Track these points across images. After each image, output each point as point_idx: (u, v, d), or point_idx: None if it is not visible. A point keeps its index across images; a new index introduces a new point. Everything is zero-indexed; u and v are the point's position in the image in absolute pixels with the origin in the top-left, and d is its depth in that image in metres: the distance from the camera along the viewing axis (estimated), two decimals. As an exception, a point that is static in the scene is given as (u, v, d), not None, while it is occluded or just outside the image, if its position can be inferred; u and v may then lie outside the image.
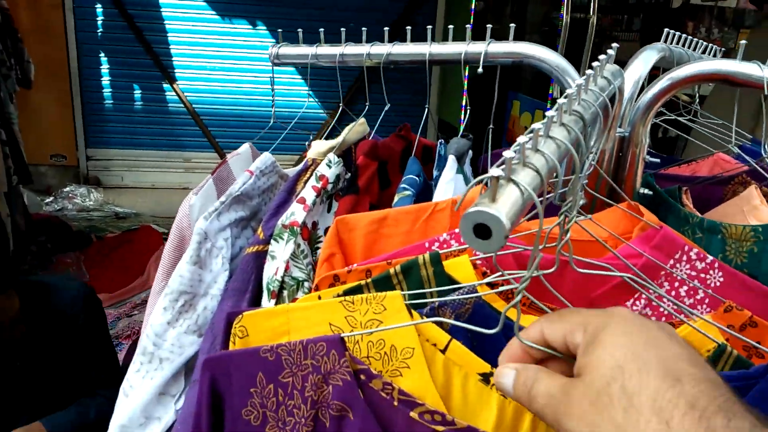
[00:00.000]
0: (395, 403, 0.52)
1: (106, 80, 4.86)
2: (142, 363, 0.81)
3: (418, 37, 0.86)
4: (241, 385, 0.55)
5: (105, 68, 4.84)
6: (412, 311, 0.56)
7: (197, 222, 0.84)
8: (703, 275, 0.60)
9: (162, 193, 4.99)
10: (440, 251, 0.61)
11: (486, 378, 0.54)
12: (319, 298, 0.63)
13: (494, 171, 0.39)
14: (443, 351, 0.55)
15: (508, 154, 0.41)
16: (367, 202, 0.88)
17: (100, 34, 4.74)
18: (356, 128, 1.00)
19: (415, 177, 0.85)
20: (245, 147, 1.00)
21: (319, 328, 0.58)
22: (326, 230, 0.87)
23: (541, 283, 0.56)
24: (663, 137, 3.40)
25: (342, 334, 0.54)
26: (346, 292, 0.61)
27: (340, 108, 1.05)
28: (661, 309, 0.60)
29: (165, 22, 4.77)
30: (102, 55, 4.80)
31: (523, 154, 0.42)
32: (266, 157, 0.94)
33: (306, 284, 0.79)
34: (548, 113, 0.49)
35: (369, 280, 0.61)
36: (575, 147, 0.49)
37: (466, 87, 2.91)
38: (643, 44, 0.85)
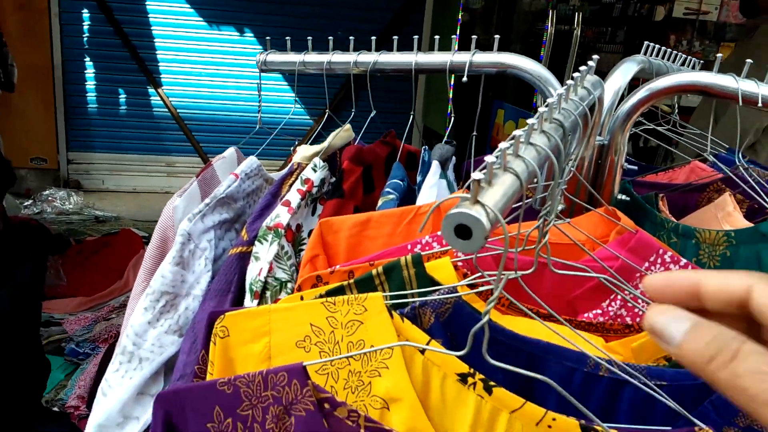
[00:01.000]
0: (362, 431, 0.50)
1: (90, 84, 4.83)
2: (121, 363, 0.81)
3: (405, 47, 0.87)
4: (197, 421, 0.53)
5: (90, 72, 4.80)
6: (393, 312, 0.57)
7: (181, 223, 0.84)
8: (677, 279, 0.62)
9: (144, 197, 4.95)
10: (422, 253, 0.62)
11: (464, 378, 0.55)
12: (302, 298, 0.64)
13: (476, 175, 0.41)
14: (422, 351, 0.56)
15: (489, 158, 0.43)
16: (352, 206, 0.89)
17: (85, 38, 4.72)
18: (341, 134, 1.01)
19: (399, 181, 0.86)
20: (230, 151, 1.01)
21: (300, 328, 0.58)
22: (310, 233, 0.88)
23: (520, 285, 0.58)
24: (644, 146, 3.47)
25: (305, 363, 0.52)
26: (329, 293, 0.62)
27: (326, 114, 1.06)
28: (636, 310, 0.61)
29: (152, 27, 4.76)
30: (87, 59, 4.77)
31: (504, 159, 0.43)
32: (251, 161, 0.94)
33: (289, 285, 0.79)
34: (529, 121, 0.50)
35: (351, 281, 0.62)
36: (555, 153, 0.50)
37: (451, 95, 2.94)
38: (626, 56, 0.88)
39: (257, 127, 1.06)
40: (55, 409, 2.22)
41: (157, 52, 4.82)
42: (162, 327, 0.82)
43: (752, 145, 2.26)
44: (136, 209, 4.63)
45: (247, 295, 0.79)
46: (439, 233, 0.67)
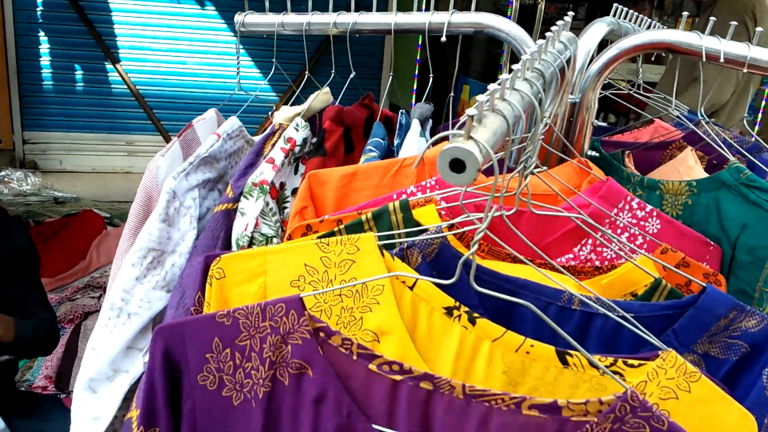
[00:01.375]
0: (354, 357, 0.53)
1: (45, 60, 4.67)
2: (110, 318, 0.82)
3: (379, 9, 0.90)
4: (196, 352, 0.55)
5: (44, 48, 4.64)
6: (384, 251, 0.60)
7: (166, 181, 0.85)
8: (642, 222, 0.67)
9: (103, 177, 4.83)
10: (409, 199, 0.65)
11: (450, 311, 0.59)
12: (293, 245, 0.66)
13: (470, 111, 0.44)
14: (411, 288, 0.59)
15: (481, 98, 0.46)
16: (334, 165, 0.91)
17: (39, 12, 4.55)
18: (321, 96, 1.03)
19: (380, 140, 0.89)
20: (211, 112, 1.02)
21: (294, 269, 0.61)
22: (294, 191, 0.90)
23: (498, 231, 0.62)
24: (604, 123, 3.58)
25: (302, 294, 0.55)
26: (320, 238, 0.64)
27: (306, 76, 1.08)
28: (605, 254, 0.66)
29: (109, 1, 4.62)
30: (41, 34, 4.60)
31: (493, 101, 0.47)
32: (233, 121, 0.95)
33: (275, 240, 0.82)
34: (514, 67, 0.53)
35: (342, 226, 0.65)
36: (536, 99, 0.54)
37: (417, 71, 2.95)
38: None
39: (236, 89, 1.07)
40: (22, 389, 2.20)
41: (114, 26, 4.69)
42: (149, 283, 0.83)
43: (710, 114, 2.37)
44: (95, 189, 4.52)
45: (234, 250, 0.81)
46: (423, 183, 0.70)
